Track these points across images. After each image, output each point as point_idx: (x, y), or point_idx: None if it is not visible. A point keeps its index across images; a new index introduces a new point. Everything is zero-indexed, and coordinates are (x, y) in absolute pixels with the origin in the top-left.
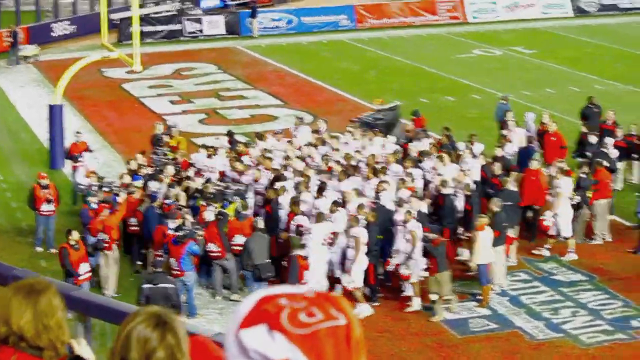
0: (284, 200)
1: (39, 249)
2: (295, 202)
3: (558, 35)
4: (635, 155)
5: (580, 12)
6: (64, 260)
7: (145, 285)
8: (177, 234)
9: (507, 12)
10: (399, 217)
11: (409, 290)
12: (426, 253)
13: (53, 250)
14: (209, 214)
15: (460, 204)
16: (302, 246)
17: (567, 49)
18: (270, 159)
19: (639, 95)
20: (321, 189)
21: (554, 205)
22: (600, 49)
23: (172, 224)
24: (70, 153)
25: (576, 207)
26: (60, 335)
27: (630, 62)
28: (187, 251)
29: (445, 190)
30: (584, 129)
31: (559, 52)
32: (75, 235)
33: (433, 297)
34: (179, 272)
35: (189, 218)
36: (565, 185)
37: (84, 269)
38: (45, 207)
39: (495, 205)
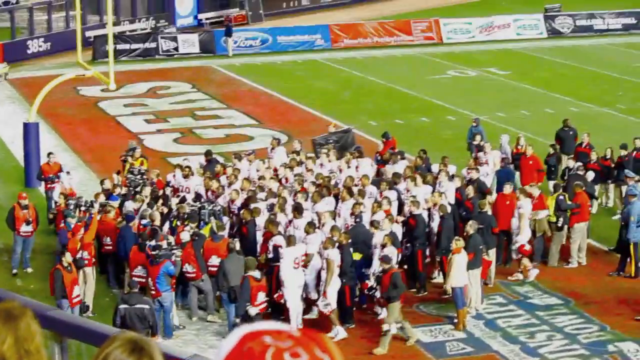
0: (260, 221)
1: (15, 271)
2: (272, 222)
3: (532, 56)
4: (611, 179)
5: (554, 33)
6: (57, 283)
7: (122, 306)
8: (153, 253)
9: (482, 33)
10: (375, 239)
11: (383, 314)
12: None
13: (29, 270)
14: (185, 235)
15: (436, 225)
16: (255, 267)
17: (542, 70)
18: (248, 180)
19: (613, 118)
20: (299, 210)
21: (519, 227)
22: (575, 71)
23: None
24: (43, 175)
25: (559, 229)
26: (40, 358)
27: (604, 84)
28: (163, 271)
29: (416, 211)
30: (551, 150)
31: (533, 73)
32: (68, 257)
33: (386, 327)
34: (154, 293)
35: (171, 239)
36: (527, 207)
37: (76, 291)
38: (24, 228)
39: (471, 227)
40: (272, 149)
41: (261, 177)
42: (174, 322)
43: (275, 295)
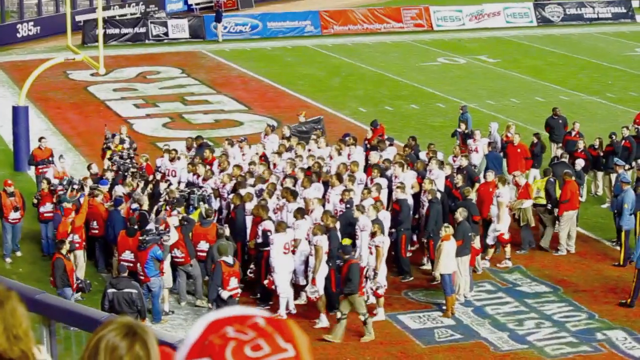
0: (250, 206)
1: (9, 260)
2: (261, 207)
3: (522, 44)
4: (599, 168)
5: (544, 21)
6: (58, 272)
7: (110, 290)
8: (140, 238)
9: (472, 21)
10: (360, 223)
11: (371, 299)
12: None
13: (18, 253)
14: (174, 219)
15: (425, 211)
16: (228, 252)
17: (531, 59)
18: (239, 166)
19: (603, 106)
20: (294, 194)
21: (498, 214)
22: (565, 59)
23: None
24: (35, 159)
25: (550, 212)
26: (28, 343)
27: (594, 72)
28: (151, 256)
29: (401, 196)
30: (534, 140)
31: (523, 61)
32: (67, 245)
33: (340, 314)
34: (143, 278)
35: (173, 223)
36: (505, 195)
37: (75, 278)
38: (12, 215)
39: (460, 215)
40: (266, 135)
41: (251, 163)
42: (164, 308)
43: (266, 282)
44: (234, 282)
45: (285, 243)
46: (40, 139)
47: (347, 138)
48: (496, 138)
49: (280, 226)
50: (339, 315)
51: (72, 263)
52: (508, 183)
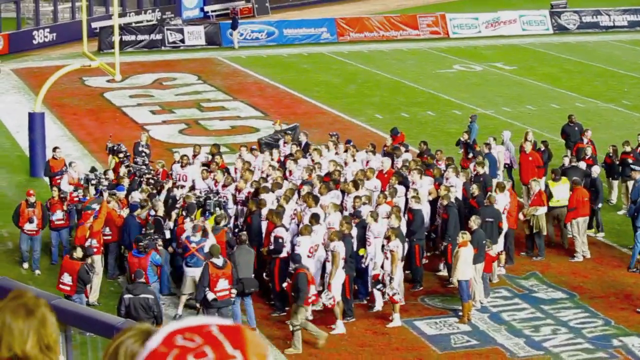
0: (266, 212)
1: (25, 265)
2: (275, 213)
3: (538, 52)
4: (614, 176)
5: (560, 29)
6: (86, 277)
7: (126, 296)
8: (140, 244)
9: (488, 28)
10: (374, 230)
11: (378, 306)
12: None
13: (37, 272)
14: (188, 226)
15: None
16: (219, 254)
17: (547, 66)
18: (251, 171)
19: (619, 114)
20: (316, 199)
21: None
22: (580, 67)
23: (194, 237)
24: (52, 170)
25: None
26: (57, 353)
27: (610, 80)
28: (151, 261)
29: (415, 206)
30: (542, 147)
31: (538, 68)
32: (79, 251)
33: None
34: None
35: (209, 228)
36: (502, 201)
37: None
38: (27, 227)
39: (474, 222)
40: (286, 143)
41: (272, 167)
42: (178, 312)
43: (285, 285)
44: (223, 284)
45: (310, 247)
46: (54, 149)
47: (368, 145)
48: (509, 146)
49: (306, 229)
50: (291, 327)
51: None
52: (505, 190)
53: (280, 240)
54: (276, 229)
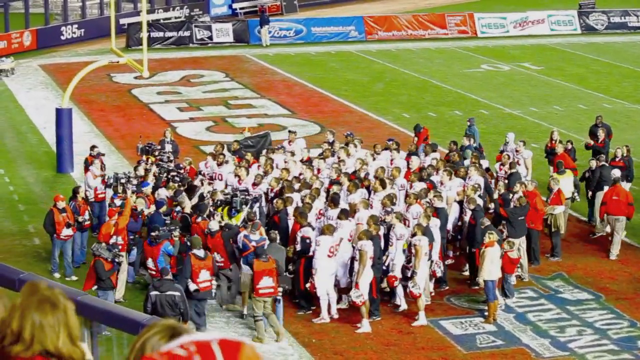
0: (292, 210)
1: (57, 275)
2: (300, 213)
3: (566, 52)
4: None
5: (588, 29)
6: (102, 272)
7: (152, 293)
8: (152, 234)
9: (516, 28)
10: (397, 231)
11: (403, 306)
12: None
13: (74, 278)
14: (214, 224)
15: (467, 218)
16: (200, 246)
17: (575, 66)
18: (287, 170)
19: None
20: (335, 201)
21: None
22: (608, 67)
23: (253, 236)
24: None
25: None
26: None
27: (638, 81)
28: (163, 251)
29: (439, 205)
30: (569, 146)
31: (566, 69)
32: (105, 248)
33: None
34: (154, 273)
35: (262, 229)
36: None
37: (114, 277)
38: (65, 232)
39: (485, 222)
40: (290, 142)
41: (304, 165)
42: (244, 311)
43: (308, 285)
44: (204, 275)
45: (331, 246)
46: (92, 147)
47: (390, 142)
48: (513, 147)
49: (328, 229)
50: (253, 318)
51: (110, 264)
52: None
53: (308, 241)
54: (303, 228)
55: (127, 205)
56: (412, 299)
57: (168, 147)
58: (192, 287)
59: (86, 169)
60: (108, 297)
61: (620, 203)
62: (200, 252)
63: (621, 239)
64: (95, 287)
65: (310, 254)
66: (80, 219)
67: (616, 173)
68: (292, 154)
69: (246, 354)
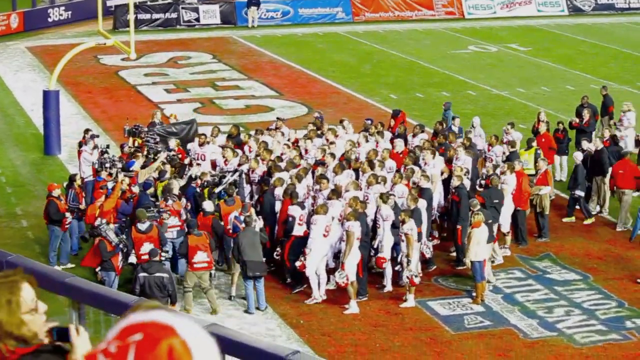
0: (279, 191)
1: (59, 268)
2: (292, 192)
3: (553, 33)
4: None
5: (575, 10)
6: (105, 253)
7: (141, 274)
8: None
9: (503, 9)
10: (383, 212)
11: (388, 286)
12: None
13: (70, 265)
14: (209, 204)
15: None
16: (144, 219)
17: (562, 47)
18: (269, 151)
19: (633, 95)
20: (327, 179)
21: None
22: (596, 48)
23: (242, 217)
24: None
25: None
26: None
27: (625, 62)
28: None
29: (424, 184)
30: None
31: (554, 50)
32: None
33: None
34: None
35: (252, 211)
36: (512, 182)
37: (116, 260)
38: (68, 220)
39: (476, 204)
40: (277, 129)
41: (287, 146)
42: (232, 293)
43: (298, 264)
44: (147, 247)
45: (326, 226)
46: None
47: (370, 123)
48: (481, 133)
49: (322, 208)
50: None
51: (113, 247)
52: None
53: (291, 219)
54: (290, 206)
55: (116, 189)
56: (412, 286)
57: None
58: (132, 258)
59: (79, 154)
60: (111, 278)
61: (628, 176)
62: (143, 226)
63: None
64: (99, 267)
65: (299, 233)
66: (81, 207)
67: (628, 146)
68: (282, 134)
69: (161, 352)
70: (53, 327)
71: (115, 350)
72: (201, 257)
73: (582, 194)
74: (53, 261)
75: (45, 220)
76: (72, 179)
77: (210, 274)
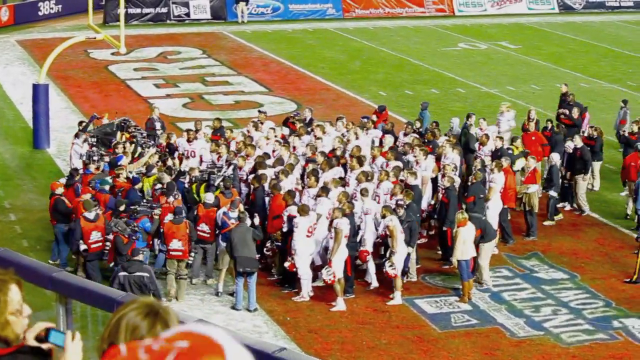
0: (267, 187)
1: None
2: (289, 192)
3: (543, 31)
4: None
5: (566, 8)
6: (122, 246)
7: (121, 273)
8: (132, 207)
9: (494, 7)
10: (365, 206)
11: (374, 284)
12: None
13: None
14: (210, 197)
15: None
16: (91, 209)
17: (552, 46)
18: (253, 146)
19: (623, 94)
20: (317, 177)
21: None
22: (586, 47)
23: (232, 213)
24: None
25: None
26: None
27: (615, 60)
28: (140, 227)
29: (412, 182)
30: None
31: (544, 48)
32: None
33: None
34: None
35: (241, 207)
36: (499, 180)
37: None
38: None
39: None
40: (262, 123)
41: (278, 142)
42: (219, 289)
43: (287, 264)
44: (95, 236)
45: (309, 226)
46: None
47: (366, 121)
48: (458, 133)
49: (304, 210)
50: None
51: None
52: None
53: (294, 220)
54: (289, 207)
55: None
56: (389, 278)
57: (157, 125)
58: (83, 247)
59: (72, 146)
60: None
61: (631, 169)
62: (91, 215)
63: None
64: (112, 264)
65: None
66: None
67: (555, 157)
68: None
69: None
70: (50, 328)
71: (157, 350)
72: (176, 245)
73: (556, 194)
74: (64, 262)
75: (52, 221)
76: (73, 175)
77: (187, 264)
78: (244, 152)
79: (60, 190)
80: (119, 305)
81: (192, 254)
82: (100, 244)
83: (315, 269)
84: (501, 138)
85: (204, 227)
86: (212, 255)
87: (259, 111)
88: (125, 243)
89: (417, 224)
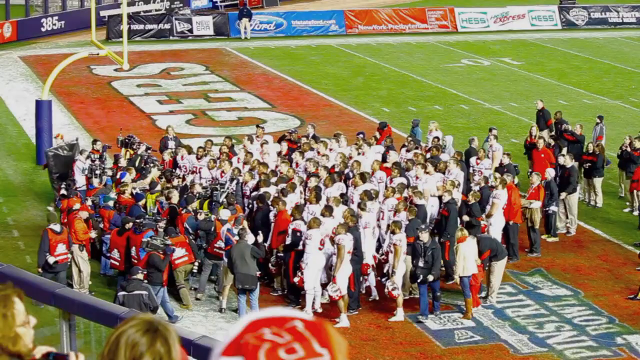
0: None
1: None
2: (297, 206)
3: (546, 47)
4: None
5: (569, 25)
6: (160, 263)
7: (120, 293)
8: (137, 221)
9: (497, 23)
10: (364, 220)
11: (373, 293)
12: None
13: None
14: (225, 212)
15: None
16: (57, 221)
17: (555, 62)
18: (265, 164)
19: (626, 110)
20: (318, 196)
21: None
22: (589, 63)
23: (236, 230)
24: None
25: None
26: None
27: (617, 76)
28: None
29: (418, 201)
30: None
31: (547, 64)
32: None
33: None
34: (137, 261)
35: (245, 224)
36: (503, 197)
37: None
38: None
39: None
40: (258, 137)
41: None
42: (222, 305)
43: (296, 280)
44: (61, 248)
45: (321, 239)
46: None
47: (362, 137)
48: (451, 151)
49: (315, 222)
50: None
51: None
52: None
53: (299, 234)
54: (295, 221)
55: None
56: (392, 298)
57: (171, 144)
58: (52, 259)
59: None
60: (158, 294)
61: None
62: (57, 227)
63: None
64: (145, 281)
65: (300, 247)
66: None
67: (550, 173)
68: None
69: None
70: (50, 352)
71: (277, 332)
72: (180, 253)
73: (556, 209)
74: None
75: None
76: (70, 184)
77: (192, 272)
78: (257, 170)
79: (78, 206)
80: (122, 321)
81: (197, 263)
82: (65, 256)
83: (321, 286)
84: (508, 154)
85: (220, 244)
86: (221, 273)
87: (257, 126)
88: (162, 259)
89: (439, 251)
